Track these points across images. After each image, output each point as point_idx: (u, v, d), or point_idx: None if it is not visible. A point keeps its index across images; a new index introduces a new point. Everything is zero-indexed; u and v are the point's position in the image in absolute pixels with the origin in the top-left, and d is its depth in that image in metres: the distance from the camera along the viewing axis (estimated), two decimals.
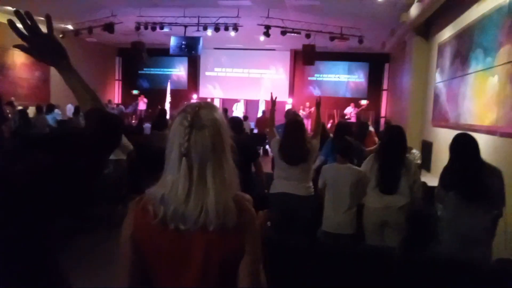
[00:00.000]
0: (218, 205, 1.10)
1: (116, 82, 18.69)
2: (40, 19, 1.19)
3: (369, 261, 2.67)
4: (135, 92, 17.51)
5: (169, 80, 17.20)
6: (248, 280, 1.15)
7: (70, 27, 12.74)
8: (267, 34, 11.15)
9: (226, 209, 1.11)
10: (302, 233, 3.48)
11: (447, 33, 7.91)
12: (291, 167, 3.58)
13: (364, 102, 15.28)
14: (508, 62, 4.87)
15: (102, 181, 4.76)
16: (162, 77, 17.74)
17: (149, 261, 1.15)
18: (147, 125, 9.82)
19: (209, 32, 11.69)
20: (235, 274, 1.16)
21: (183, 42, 12.69)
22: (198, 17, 11.20)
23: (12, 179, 1.04)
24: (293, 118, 4.06)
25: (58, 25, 12.07)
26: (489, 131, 5.30)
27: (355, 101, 15.33)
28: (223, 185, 1.13)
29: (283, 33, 11.24)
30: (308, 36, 11.45)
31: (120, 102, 17.71)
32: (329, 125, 12.21)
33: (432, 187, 3.47)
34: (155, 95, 16.71)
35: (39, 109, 9.26)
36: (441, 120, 7.92)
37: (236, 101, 16.14)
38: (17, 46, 1.23)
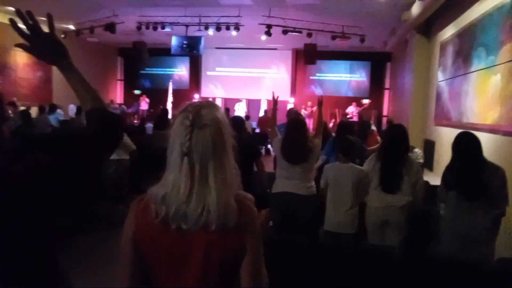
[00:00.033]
0: (220, 204, 1.10)
1: (118, 82, 18.68)
2: (41, 19, 1.19)
3: (369, 261, 2.66)
4: (137, 92, 17.49)
5: (171, 80, 17.18)
6: (250, 279, 1.15)
7: (71, 27, 12.75)
8: (268, 33, 11.13)
9: (227, 208, 1.11)
10: (303, 232, 3.47)
11: (449, 32, 7.90)
12: (293, 166, 3.57)
13: (366, 101, 15.24)
14: (510, 61, 4.86)
15: (103, 180, 4.77)
16: (163, 77, 17.72)
17: (150, 261, 1.15)
18: (149, 125, 9.83)
19: (211, 31, 11.68)
20: (235, 274, 1.15)
21: (184, 42, 12.67)
22: (200, 16, 11.18)
23: (12, 179, 1.04)
24: (294, 117, 4.05)
25: (59, 25, 12.09)
26: (491, 129, 5.28)
27: (357, 100, 15.29)
28: (225, 185, 1.13)
29: (285, 32, 11.21)
30: (309, 35, 11.43)
31: (122, 102, 17.70)
32: (331, 124, 12.21)
33: (435, 186, 3.46)
34: (157, 95, 16.71)
35: (41, 109, 9.26)
36: (444, 119, 7.90)
37: (238, 100, 16.14)
38: (18, 45, 1.23)
